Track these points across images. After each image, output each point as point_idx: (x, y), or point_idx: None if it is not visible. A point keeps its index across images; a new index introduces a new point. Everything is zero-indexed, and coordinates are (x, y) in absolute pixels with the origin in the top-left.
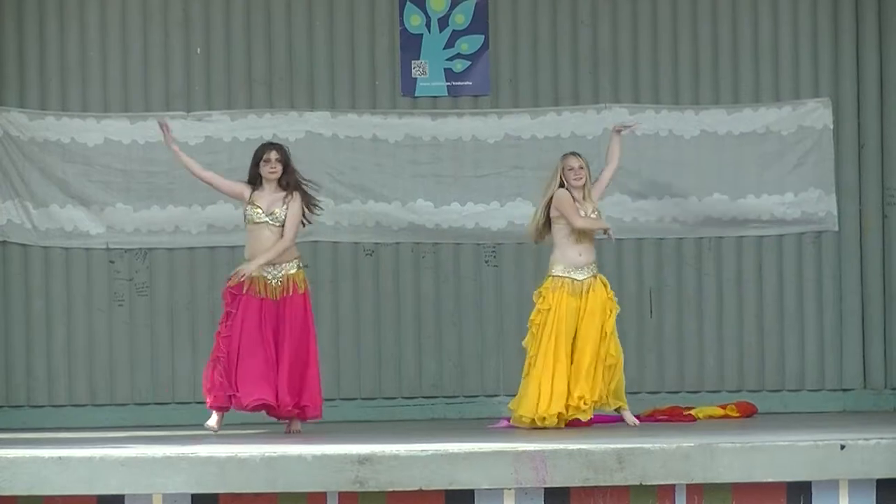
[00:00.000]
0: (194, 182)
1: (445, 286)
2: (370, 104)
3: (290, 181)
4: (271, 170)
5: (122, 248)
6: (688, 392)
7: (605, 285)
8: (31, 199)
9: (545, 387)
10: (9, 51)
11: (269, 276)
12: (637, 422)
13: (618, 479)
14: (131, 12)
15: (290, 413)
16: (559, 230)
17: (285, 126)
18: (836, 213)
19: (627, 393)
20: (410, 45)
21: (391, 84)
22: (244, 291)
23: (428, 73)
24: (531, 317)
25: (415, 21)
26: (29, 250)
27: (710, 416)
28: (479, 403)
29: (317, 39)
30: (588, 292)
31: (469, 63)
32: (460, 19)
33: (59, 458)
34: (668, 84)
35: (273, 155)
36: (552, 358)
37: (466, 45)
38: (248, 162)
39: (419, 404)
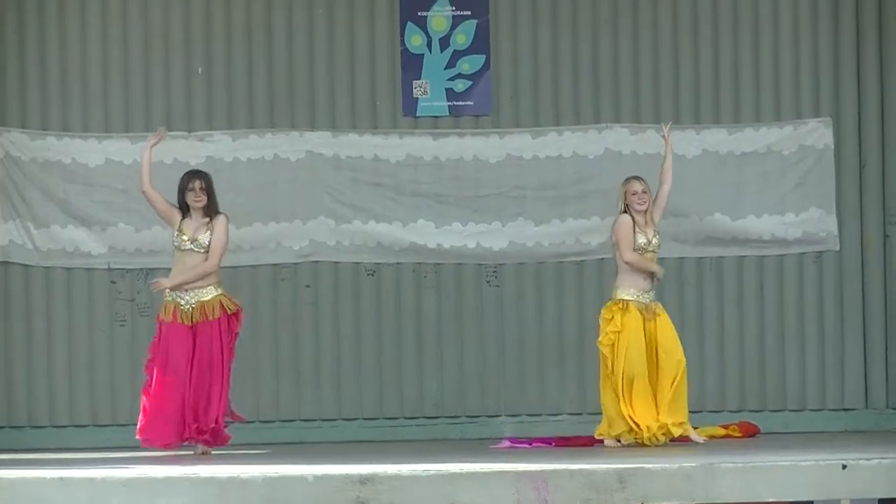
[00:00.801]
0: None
1: (447, 306)
2: (371, 124)
3: (214, 208)
4: (196, 198)
5: (123, 269)
6: (690, 412)
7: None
8: (32, 219)
9: (637, 407)
10: (10, 71)
11: (182, 302)
12: (702, 439)
13: (619, 500)
14: (133, 33)
15: (194, 438)
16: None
17: (286, 146)
18: (836, 232)
19: None
20: (412, 65)
21: (392, 104)
22: (169, 319)
23: (429, 93)
24: (600, 339)
25: (416, 41)
26: (30, 270)
27: (712, 436)
28: (480, 424)
29: (318, 59)
30: (656, 315)
31: (470, 83)
32: (461, 39)
33: (61, 478)
34: (670, 104)
35: (197, 184)
36: (633, 378)
37: (468, 65)
38: (248, 182)
39: (421, 424)
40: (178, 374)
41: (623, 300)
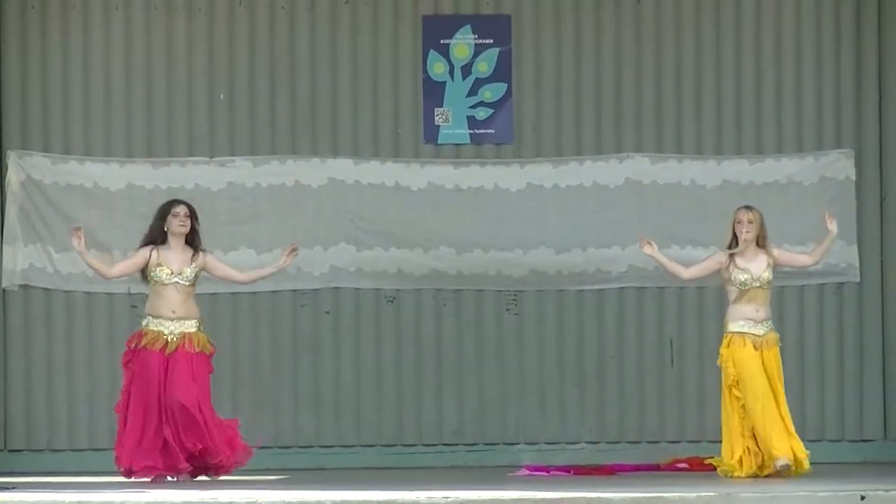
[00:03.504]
0: (214, 228)
1: (467, 333)
2: (393, 151)
3: (196, 239)
4: (180, 223)
5: (143, 294)
6: (708, 442)
7: (777, 345)
8: (53, 243)
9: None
10: (33, 95)
11: (167, 332)
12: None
13: None
14: (156, 57)
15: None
16: (728, 289)
17: (308, 172)
18: (857, 264)
19: (649, 442)
20: (434, 92)
21: (414, 131)
22: (140, 345)
23: (451, 121)
24: (723, 381)
25: (438, 69)
26: (51, 294)
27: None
28: (499, 451)
29: (340, 86)
30: (766, 348)
31: (492, 111)
32: (483, 67)
33: (80, 502)
34: (691, 134)
35: (182, 209)
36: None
37: (489, 93)
38: (270, 208)
39: (439, 451)
40: (154, 401)
41: (735, 333)
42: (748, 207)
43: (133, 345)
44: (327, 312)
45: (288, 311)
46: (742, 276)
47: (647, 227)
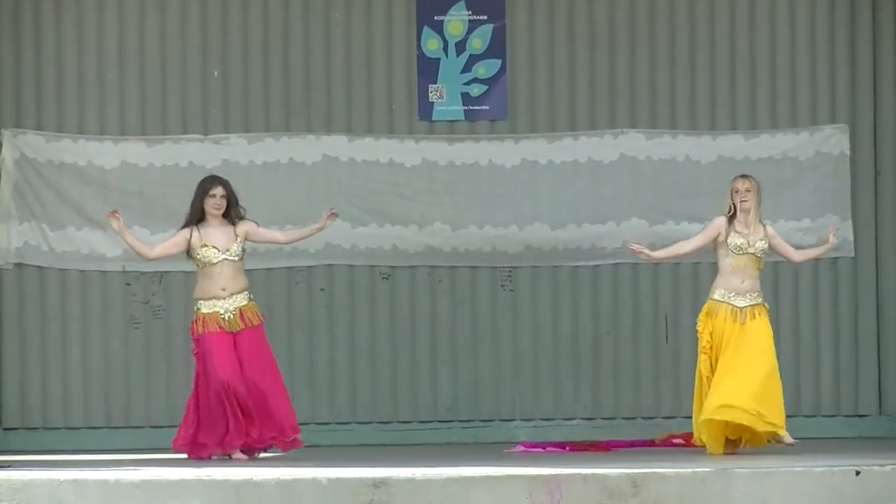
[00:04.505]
0: None
1: (462, 310)
2: (387, 128)
3: (234, 213)
4: (216, 205)
5: (138, 271)
6: None
7: (766, 316)
8: (47, 221)
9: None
10: (26, 72)
11: (222, 311)
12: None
13: None
14: (149, 35)
15: (261, 445)
16: (719, 254)
17: (302, 149)
18: (852, 239)
19: (644, 418)
20: (428, 69)
21: (408, 108)
22: (200, 332)
23: (445, 98)
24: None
25: (432, 45)
26: (45, 273)
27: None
28: (494, 428)
29: (334, 63)
30: (748, 320)
31: (486, 87)
32: (477, 44)
33: (75, 480)
34: (686, 109)
35: (220, 190)
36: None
37: (484, 69)
38: (264, 186)
39: (435, 428)
40: (225, 383)
41: (715, 301)
42: (745, 176)
43: (196, 333)
44: (322, 289)
45: (283, 288)
46: (738, 241)
47: (641, 203)
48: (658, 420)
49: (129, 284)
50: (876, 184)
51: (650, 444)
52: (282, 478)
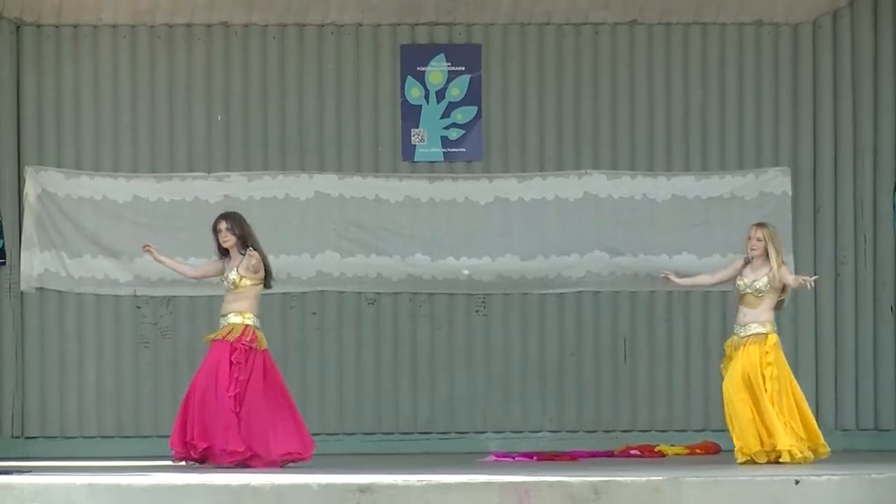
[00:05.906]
0: (210, 237)
1: (440, 332)
2: (374, 168)
3: (248, 244)
4: (223, 239)
5: (148, 296)
6: (657, 431)
7: (761, 345)
8: (66, 249)
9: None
10: (47, 116)
11: (219, 327)
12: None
13: None
14: (159, 82)
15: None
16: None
17: (296, 186)
18: (792, 271)
19: (605, 431)
20: (411, 114)
21: (393, 150)
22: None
23: (426, 140)
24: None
25: (415, 93)
26: (64, 296)
27: (678, 454)
28: (468, 439)
29: (326, 109)
30: (741, 347)
31: (463, 132)
32: (456, 92)
33: (89, 484)
34: (644, 152)
35: (223, 224)
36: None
37: (461, 115)
38: (262, 219)
39: (415, 439)
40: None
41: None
42: (758, 225)
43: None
44: (314, 313)
45: (277, 312)
46: (740, 281)
47: (603, 237)
48: (617, 433)
49: (139, 307)
50: (815, 220)
51: (610, 454)
52: (277, 483)
